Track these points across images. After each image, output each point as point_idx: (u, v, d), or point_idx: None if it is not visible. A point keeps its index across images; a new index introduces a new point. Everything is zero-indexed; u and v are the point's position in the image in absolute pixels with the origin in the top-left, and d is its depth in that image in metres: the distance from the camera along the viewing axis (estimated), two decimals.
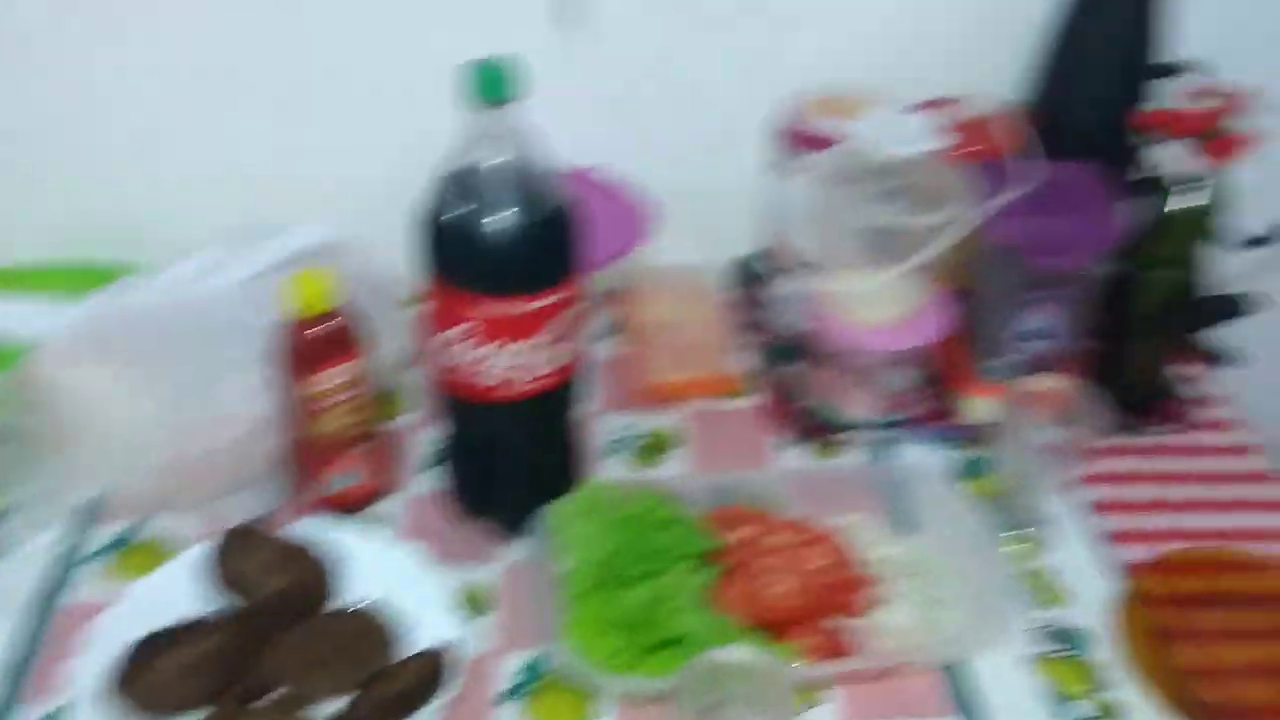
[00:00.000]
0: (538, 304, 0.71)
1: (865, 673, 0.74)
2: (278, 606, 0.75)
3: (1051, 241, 0.85)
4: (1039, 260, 0.86)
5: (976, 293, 0.92)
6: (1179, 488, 0.90)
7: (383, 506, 0.86)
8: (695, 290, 1.06)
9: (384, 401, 0.92)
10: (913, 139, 0.85)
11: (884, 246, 0.88)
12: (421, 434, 0.92)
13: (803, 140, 0.95)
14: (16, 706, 0.71)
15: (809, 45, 1.01)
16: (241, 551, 0.76)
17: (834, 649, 0.75)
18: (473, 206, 0.69)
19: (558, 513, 0.78)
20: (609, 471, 0.90)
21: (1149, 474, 0.91)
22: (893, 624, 0.77)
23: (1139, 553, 0.84)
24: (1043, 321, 0.90)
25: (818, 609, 0.77)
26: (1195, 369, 1.00)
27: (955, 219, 0.84)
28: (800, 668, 0.72)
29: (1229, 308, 1.04)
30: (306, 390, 0.78)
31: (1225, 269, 0.92)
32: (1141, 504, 0.89)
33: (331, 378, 0.78)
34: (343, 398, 0.80)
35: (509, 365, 0.73)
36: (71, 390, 0.79)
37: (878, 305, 0.91)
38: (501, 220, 0.69)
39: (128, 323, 0.81)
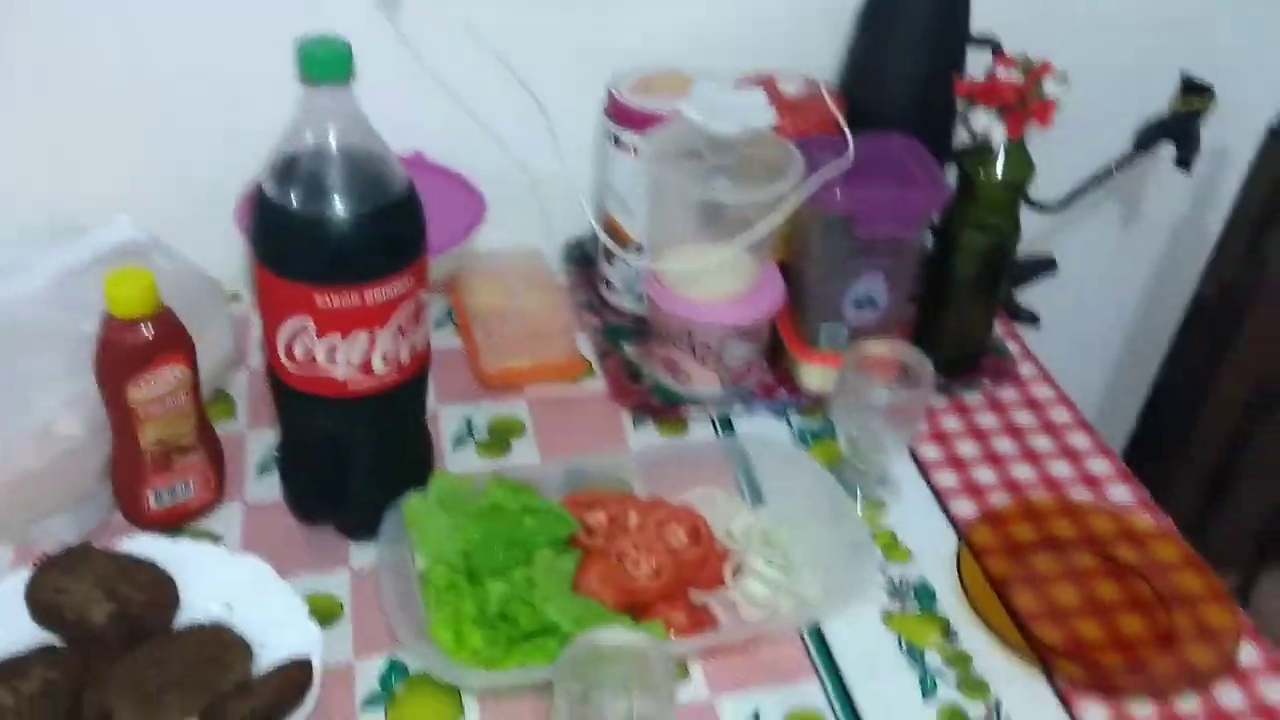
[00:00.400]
0: (378, 293, 0.69)
1: (731, 644, 0.75)
2: (108, 633, 0.70)
3: (877, 210, 0.88)
4: (866, 229, 0.88)
5: (807, 264, 0.94)
6: (1003, 441, 0.95)
7: (218, 518, 0.81)
8: (530, 275, 1.04)
9: (212, 406, 0.87)
10: (739, 115, 0.86)
11: (716, 222, 0.89)
12: (254, 438, 0.88)
13: (630, 119, 0.95)
14: None
15: (633, 27, 1.01)
16: (63, 578, 0.71)
17: (699, 623, 0.75)
18: (305, 192, 0.66)
19: (410, 508, 0.76)
20: (456, 464, 0.88)
21: (974, 430, 0.96)
22: (752, 593, 0.78)
23: (972, 507, 0.88)
24: (871, 288, 0.93)
25: (680, 585, 0.77)
26: (1007, 328, 1.06)
27: (784, 193, 0.85)
28: (670, 644, 0.72)
29: (1040, 268, 1.10)
30: (129, 398, 0.73)
31: (1028, 231, 0.97)
32: (970, 460, 0.93)
33: (155, 383, 0.73)
34: (168, 405, 0.75)
35: (351, 359, 0.70)
36: None
37: (713, 281, 0.92)
38: (337, 206, 0.66)
39: None
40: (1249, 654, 0.77)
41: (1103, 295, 1.38)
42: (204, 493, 0.80)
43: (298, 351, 0.70)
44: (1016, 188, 0.92)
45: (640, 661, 0.62)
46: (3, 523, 0.74)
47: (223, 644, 0.71)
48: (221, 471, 0.82)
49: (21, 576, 0.71)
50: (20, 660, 0.68)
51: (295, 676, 0.67)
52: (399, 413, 0.77)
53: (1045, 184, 0.96)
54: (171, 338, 0.73)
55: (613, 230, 1.01)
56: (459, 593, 0.72)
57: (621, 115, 0.96)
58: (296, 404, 0.74)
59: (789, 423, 0.95)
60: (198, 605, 0.73)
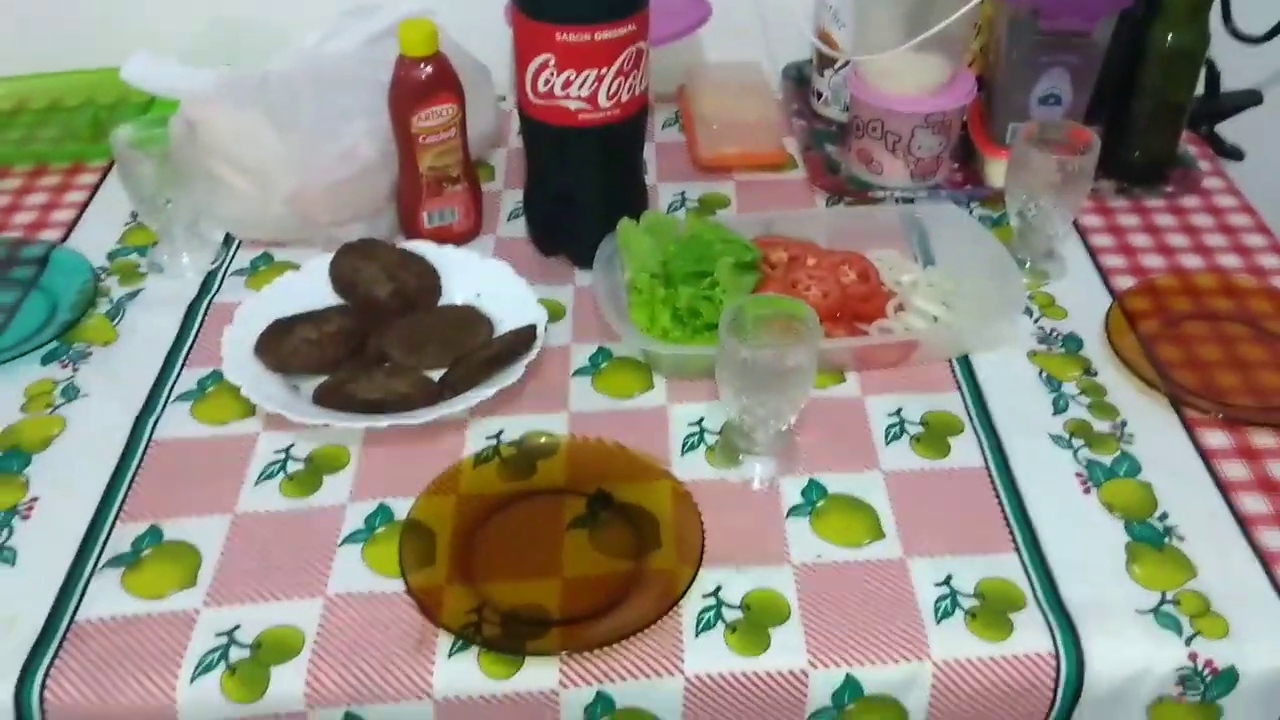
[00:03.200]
0: (607, 34, 0.84)
1: (884, 350, 0.86)
2: (388, 305, 0.90)
3: (1065, 3, 0.95)
4: (1050, 21, 0.96)
5: (996, 61, 1.03)
6: (1176, 236, 1.01)
7: (474, 245, 1.00)
8: (748, 84, 1.18)
9: (477, 164, 1.06)
10: None
11: (914, 22, 0.99)
12: (507, 195, 1.07)
13: None
14: (184, 370, 0.87)
15: None
16: (361, 259, 0.91)
17: (860, 336, 0.88)
18: None
19: (623, 229, 0.91)
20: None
21: (1150, 227, 1.02)
22: (911, 325, 0.89)
23: (1133, 282, 0.95)
24: (1056, 86, 1.01)
25: (845, 310, 0.89)
26: (1207, 157, 1.10)
27: None
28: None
29: (1244, 100, 1.13)
30: (413, 126, 0.92)
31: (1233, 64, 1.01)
32: (1140, 248, 0.99)
33: (434, 115, 0.92)
34: (442, 137, 0.93)
35: (582, 93, 0.86)
36: (215, 129, 0.94)
37: (908, 77, 1.02)
38: None
39: (263, 78, 0.95)
40: None
41: None
42: (465, 221, 0.99)
43: (540, 85, 0.87)
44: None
45: (789, 322, 0.75)
46: (316, 223, 0.96)
47: (471, 318, 0.90)
48: (480, 208, 1.01)
49: (327, 258, 0.92)
50: (323, 311, 0.89)
51: (524, 334, 0.85)
52: (619, 148, 0.92)
53: (1254, 16, 0.99)
54: (447, 79, 0.92)
55: (826, 43, 1.13)
56: (655, 293, 0.87)
57: None
58: (539, 135, 0.91)
59: (969, 212, 1.04)
60: (455, 292, 0.92)
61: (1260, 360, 0.87)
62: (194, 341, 0.90)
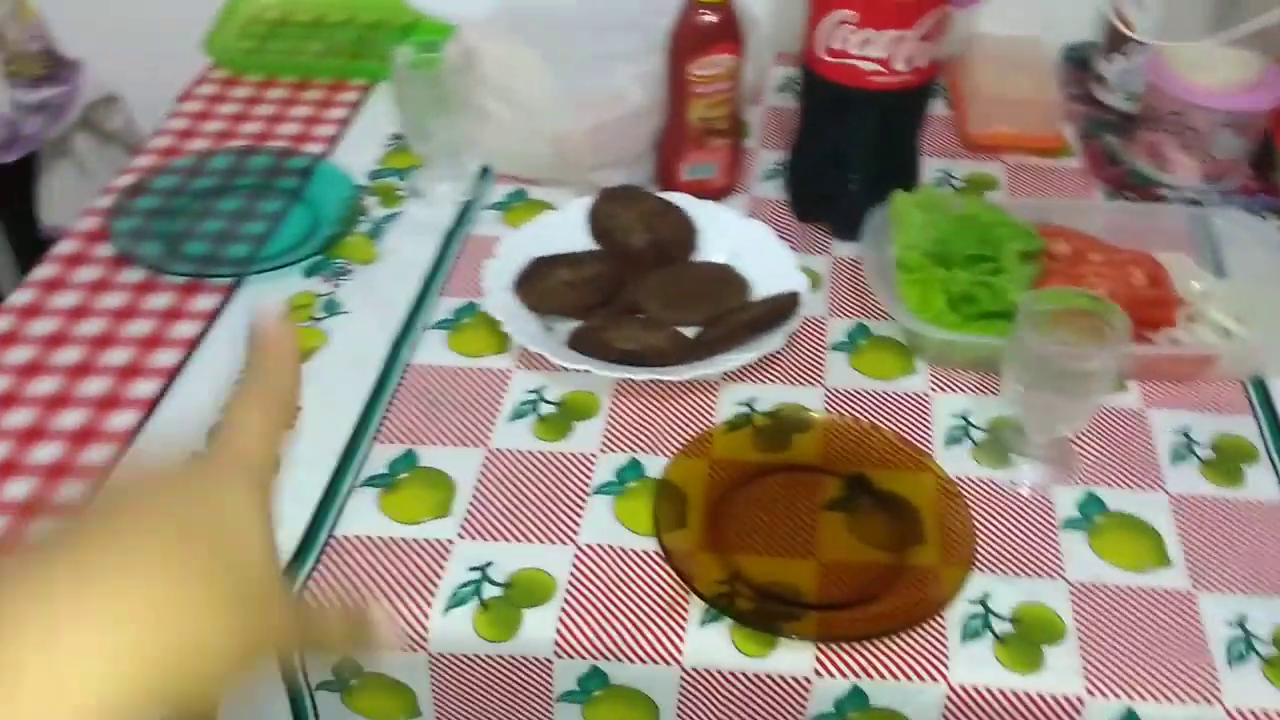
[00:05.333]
0: None
1: (1177, 362, 0.80)
2: (644, 254, 0.87)
3: None
4: None
5: None
6: None
7: (729, 203, 0.97)
8: (1026, 61, 1.10)
9: (741, 120, 1.02)
10: None
11: (1224, 12, 0.91)
12: (763, 155, 1.03)
13: None
14: (441, 300, 0.87)
15: None
16: (619, 206, 0.89)
17: (1146, 343, 0.81)
18: None
19: (897, 201, 0.87)
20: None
21: None
22: (1203, 338, 0.82)
23: None
24: None
25: (1132, 316, 0.83)
26: None
27: None
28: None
29: None
30: (689, 73, 0.89)
31: None
32: None
33: (712, 64, 0.89)
34: (717, 87, 0.90)
35: (882, 54, 0.82)
36: (489, 60, 0.93)
37: (1214, 69, 0.94)
38: None
39: (539, 12, 0.94)
40: None
41: None
42: (723, 177, 0.96)
43: (836, 43, 0.83)
44: None
45: (1088, 320, 0.69)
46: (579, 162, 0.94)
47: (727, 278, 0.87)
48: (739, 165, 0.97)
49: (586, 202, 0.90)
50: (580, 254, 0.87)
51: (785, 302, 0.81)
52: (904, 116, 0.88)
53: None
54: (731, 29, 0.88)
55: (1114, 25, 1.05)
56: (930, 273, 0.83)
57: None
58: (822, 93, 0.87)
59: (1267, 220, 0.96)
60: (712, 248, 0.89)
61: None
62: (451, 271, 0.89)
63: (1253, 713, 0.61)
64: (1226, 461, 0.75)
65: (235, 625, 0.36)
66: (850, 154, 0.89)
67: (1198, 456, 0.75)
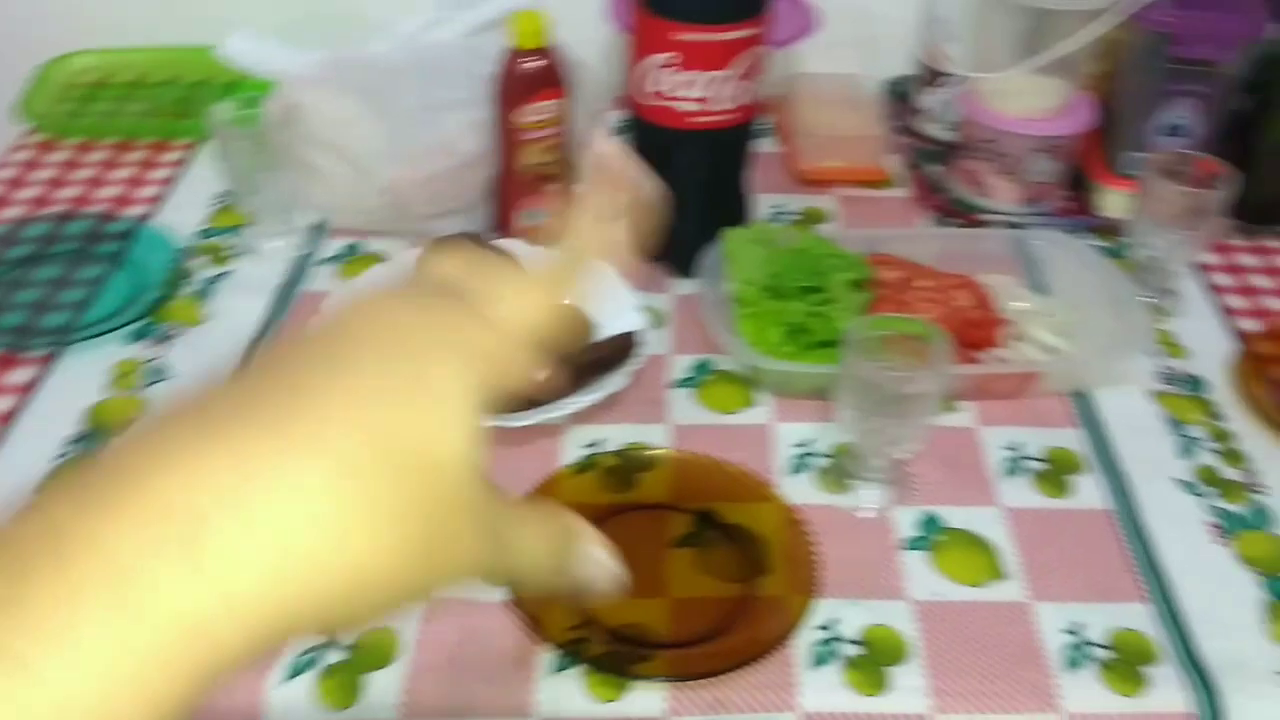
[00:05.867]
0: (732, 35, 0.81)
1: (1003, 380, 0.82)
2: None
3: (1199, 31, 0.91)
4: (1185, 50, 0.92)
5: (1119, 86, 0.99)
6: None
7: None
8: (850, 98, 1.14)
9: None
10: None
11: (1035, 43, 0.96)
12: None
13: None
14: None
15: None
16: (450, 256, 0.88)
17: (974, 364, 0.84)
18: None
19: (730, 239, 0.88)
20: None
21: (1271, 270, 0.98)
22: (1028, 356, 0.85)
23: (1255, 326, 0.91)
24: (1180, 117, 0.97)
25: (958, 337, 0.85)
26: None
27: (1107, 6, 0.91)
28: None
29: None
30: (515, 120, 0.89)
31: None
32: (1261, 290, 0.95)
33: (538, 111, 0.89)
34: (545, 133, 0.90)
35: (702, 94, 0.83)
36: (315, 114, 0.91)
37: (1024, 98, 0.98)
38: None
39: (362, 64, 0.93)
40: None
41: None
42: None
43: (656, 85, 0.84)
44: None
45: (913, 344, 0.71)
46: (412, 214, 0.93)
47: (570, 320, 0.86)
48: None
49: (415, 253, 0.89)
50: None
51: (625, 341, 0.81)
52: (730, 154, 0.89)
53: None
54: (554, 74, 0.89)
55: (931, 59, 1.09)
56: (764, 306, 0.84)
57: None
58: (649, 136, 0.88)
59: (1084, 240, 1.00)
60: None
61: None
62: (283, 329, 0.87)
63: (1092, 715, 0.62)
64: (1055, 473, 0.77)
65: (416, 537, 0.29)
66: (681, 194, 0.90)
67: (1029, 470, 0.77)
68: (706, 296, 0.85)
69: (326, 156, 0.92)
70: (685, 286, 0.93)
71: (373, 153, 0.91)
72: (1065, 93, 0.99)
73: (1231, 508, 0.75)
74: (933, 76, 1.10)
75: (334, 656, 0.63)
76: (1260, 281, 0.96)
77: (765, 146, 1.12)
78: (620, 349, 0.81)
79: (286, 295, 0.90)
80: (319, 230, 0.97)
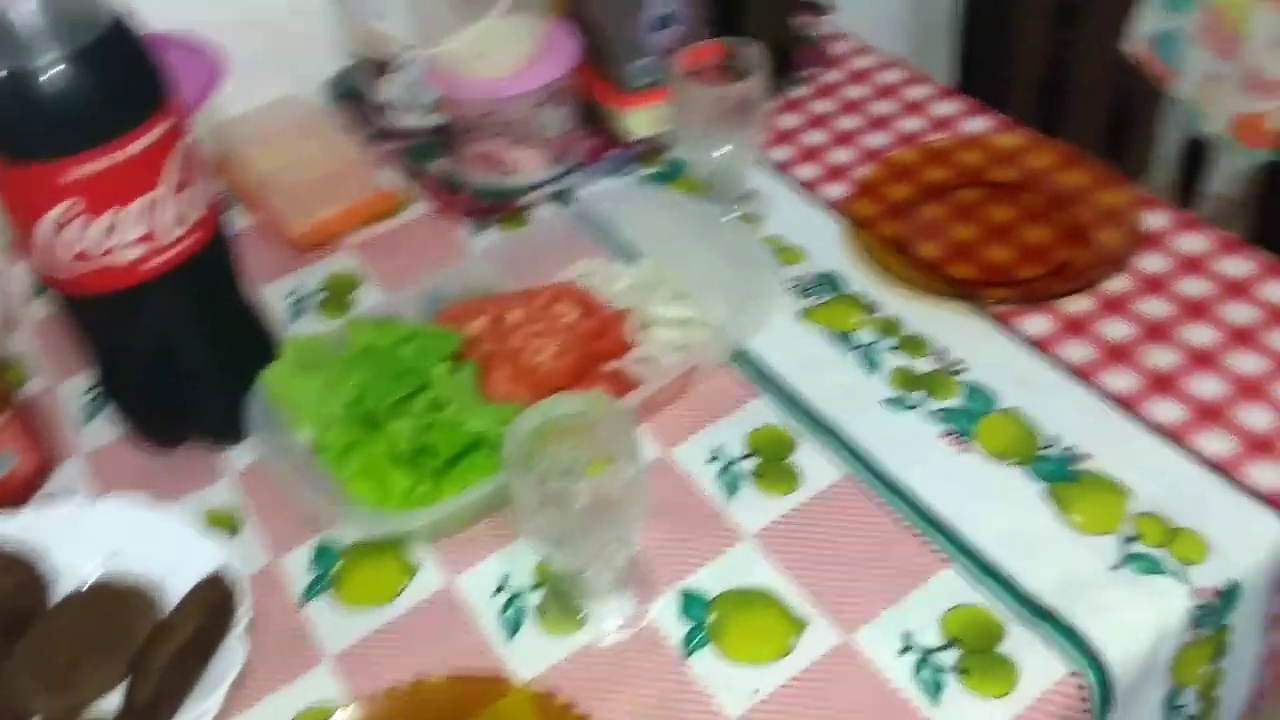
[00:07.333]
0: (140, 144, 0.57)
1: (665, 396, 0.69)
2: None
3: None
4: None
5: (590, 2, 0.85)
6: (846, 119, 0.91)
7: (61, 479, 0.70)
8: (300, 125, 0.92)
9: (7, 369, 0.74)
10: None
11: None
12: (64, 390, 0.76)
13: None
14: None
15: None
16: None
17: (622, 389, 0.69)
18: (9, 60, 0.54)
19: (271, 382, 0.66)
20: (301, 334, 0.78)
21: (814, 120, 0.91)
22: (665, 339, 0.72)
23: (842, 189, 0.84)
24: (664, 6, 0.85)
25: (589, 359, 0.70)
26: (808, 20, 1.00)
27: None
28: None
29: None
30: None
31: None
32: (822, 146, 0.88)
33: None
34: None
35: (140, 231, 0.59)
36: None
37: (500, 52, 0.83)
38: (50, 61, 0.54)
39: None
40: (1156, 220, 0.76)
41: None
42: (29, 458, 0.68)
43: (70, 248, 0.59)
44: None
45: (590, 428, 0.55)
46: None
47: (117, 596, 0.61)
48: (39, 433, 0.70)
49: None
50: None
51: (211, 597, 0.58)
52: (211, 283, 0.66)
53: None
54: None
55: (375, 45, 0.90)
56: (363, 445, 0.64)
57: None
58: (93, 311, 0.63)
59: (634, 175, 0.88)
60: (73, 568, 0.62)
61: (1011, 218, 0.79)
62: None
63: None
64: (773, 463, 0.65)
65: None
66: (175, 356, 0.66)
67: (745, 474, 0.65)
68: (276, 465, 0.63)
69: None
70: (243, 456, 0.69)
71: None
72: (538, 28, 0.84)
73: (949, 404, 0.67)
74: (380, 65, 0.91)
75: None
76: (815, 138, 0.89)
77: (240, 225, 0.88)
78: (210, 609, 0.57)
79: None
80: None
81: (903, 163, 0.84)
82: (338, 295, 0.81)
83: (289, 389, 0.66)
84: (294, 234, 0.85)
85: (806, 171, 0.86)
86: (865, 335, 0.72)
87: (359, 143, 0.91)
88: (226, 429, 0.69)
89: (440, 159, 0.90)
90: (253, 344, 0.70)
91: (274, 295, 0.81)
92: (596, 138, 0.90)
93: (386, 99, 0.93)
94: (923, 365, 0.70)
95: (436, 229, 0.86)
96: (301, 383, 0.66)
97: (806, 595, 0.58)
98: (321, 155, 0.89)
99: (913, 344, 0.71)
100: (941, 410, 0.67)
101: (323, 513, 0.63)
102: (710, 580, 0.60)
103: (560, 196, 0.86)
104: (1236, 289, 0.71)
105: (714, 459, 0.66)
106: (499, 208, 0.86)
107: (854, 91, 0.93)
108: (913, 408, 0.67)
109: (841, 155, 0.87)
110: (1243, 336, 0.68)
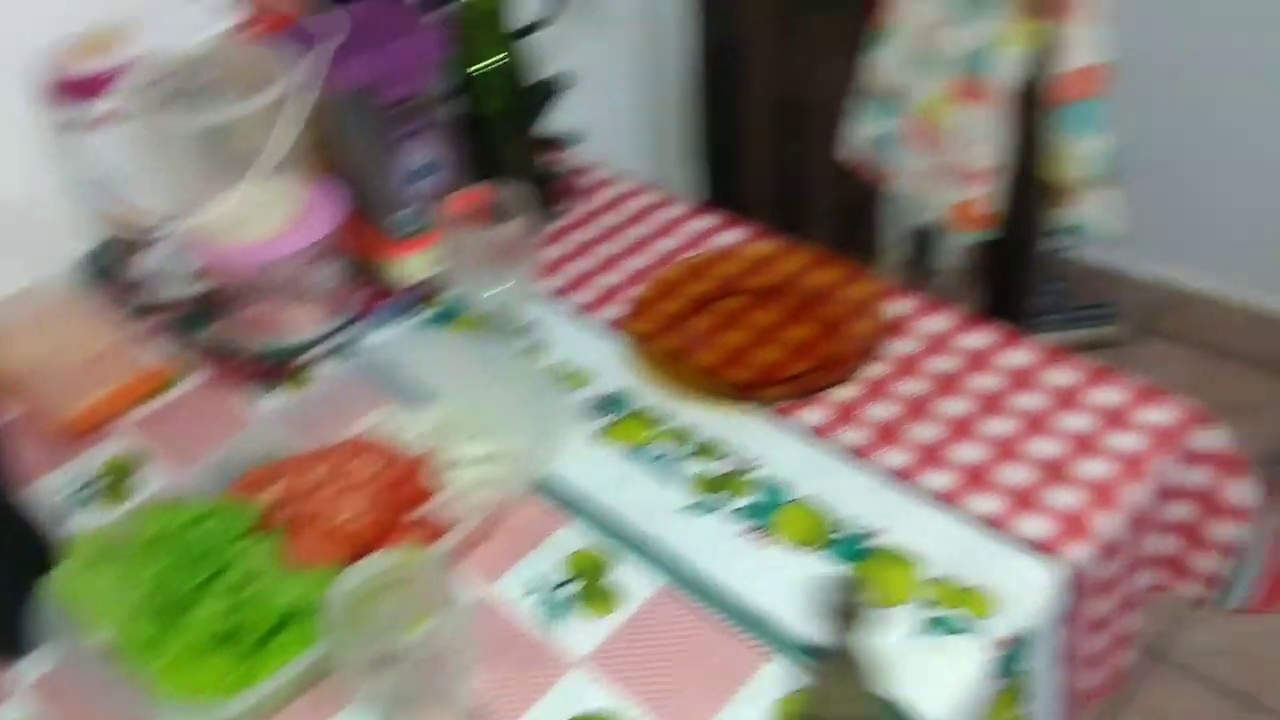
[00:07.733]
0: None
1: (477, 535, 0.69)
2: None
3: (386, 70, 0.82)
4: (385, 93, 0.83)
5: (348, 158, 0.87)
6: (608, 245, 0.95)
7: None
8: (51, 311, 0.89)
9: None
10: (203, 27, 0.77)
11: (233, 158, 0.80)
12: None
13: (78, 88, 0.82)
14: None
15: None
16: None
17: (433, 536, 0.69)
18: None
19: (60, 585, 0.62)
20: (86, 528, 0.74)
21: (580, 249, 0.95)
22: (468, 479, 0.73)
23: (617, 310, 0.87)
24: (421, 156, 0.88)
25: (394, 511, 0.70)
26: (557, 155, 1.05)
27: (285, 93, 0.78)
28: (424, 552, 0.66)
29: (548, 89, 1.09)
30: None
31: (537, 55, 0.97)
32: (590, 271, 0.92)
33: None
34: None
35: None
36: None
37: (258, 218, 0.83)
38: None
39: None
40: (900, 307, 0.84)
41: (617, 93, 1.42)
42: None
43: None
44: (490, 13, 0.90)
45: (407, 582, 0.55)
46: None
47: None
48: None
49: None
50: None
51: None
52: None
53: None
54: None
55: (124, 222, 0.88)
56: (167, 636, 0.61)
57: (67, 89, 0.83)
58: None
59: (413, 322, 0.89)
60: None
61: (774, 320, 0.85)
62: None
63: None
64: (590, 588, 0.67)
65: None
66: None
67: (566, 602, 0.66)
68: (74, 672, 0.60)
69: None
70: (32, 670, 0.65)
71: None
72: (298, 189, 0.85)
73: (747, 501, 0.71)
74: (131, 243, 0.89)
75: None
76: (582, 265, 0.93)
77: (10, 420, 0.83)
78: None
79: None
80: None
81: (668, 279, 0.88)
82: (119, 480, 0.78)
83: (80, 588, 0.63)
84: (63, 422, 0.81)
85: (582, 296, 0.89)
86: (660, 447, 0.75)
87: (119, 321, 0.88)
88: (6, 643, 0.64)
89: (210, 326, 0.89)
90: (25, 549, 0.66)
91: (51, 488, 0.77)
92: (371, 288, 0.91)
93: (144, 274, 0.91)
94: (718, 468, 0.73)
95: (216, 397, 0.84)
96: (93, 580, 0.63)
97: (646, 711, 0.60)
98: (80, 339, 0.87)
99: (706, 449, 0.75)
100: (741, 508, 0.70)
101: (134, 716, 0.59)
102: (551, 714, 0.60)
103: (341, 350, 0.86)
104: (979, 360, 0.78)
105: (534, 590, 0.67)
106: (278, 369, 0.85)
107: (609, 219, 0.98)
108: (714, 510, 0.71)
109: (611, 278, 0.91)
110: (991, 403, 0.75)
